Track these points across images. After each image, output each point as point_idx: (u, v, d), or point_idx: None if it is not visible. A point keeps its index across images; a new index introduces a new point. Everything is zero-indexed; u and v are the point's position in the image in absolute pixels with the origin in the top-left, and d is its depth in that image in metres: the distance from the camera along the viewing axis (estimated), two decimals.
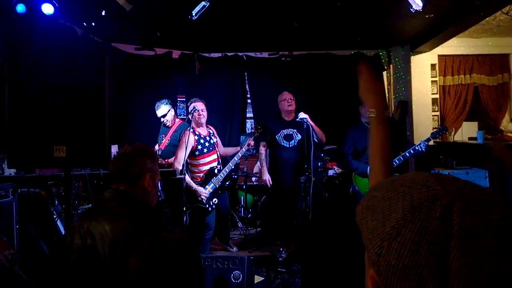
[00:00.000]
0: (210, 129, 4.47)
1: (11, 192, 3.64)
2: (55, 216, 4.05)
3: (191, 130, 4.11)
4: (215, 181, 4.20)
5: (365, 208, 0.58)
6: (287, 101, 4.48)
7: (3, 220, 3.51)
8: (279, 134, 4.50)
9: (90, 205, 4.28)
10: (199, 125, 4.28)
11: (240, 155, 4.33)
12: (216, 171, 4.23)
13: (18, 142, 2.36)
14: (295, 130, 4.45)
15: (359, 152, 4.34)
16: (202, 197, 4.14)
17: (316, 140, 4.23)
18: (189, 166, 4.23)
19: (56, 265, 1.61)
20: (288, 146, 4.46)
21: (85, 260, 1.53)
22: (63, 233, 3.94)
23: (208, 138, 4.31)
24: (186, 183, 4.02)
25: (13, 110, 2.36)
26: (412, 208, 0.51)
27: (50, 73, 2.38)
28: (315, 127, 4.24)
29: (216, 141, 4.44)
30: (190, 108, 4.18)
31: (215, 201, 4.24)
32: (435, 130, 4.10)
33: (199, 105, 4.22)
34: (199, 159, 4.22)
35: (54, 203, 4.19)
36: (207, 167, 4.24)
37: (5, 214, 3.55)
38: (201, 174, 4.23)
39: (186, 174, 4.03)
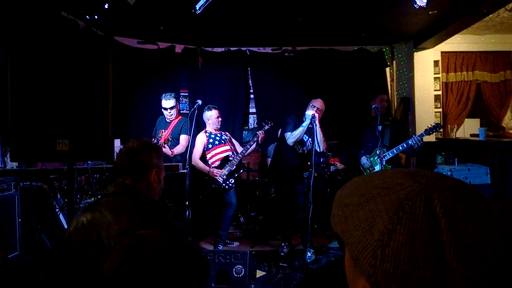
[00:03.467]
0: (223, 132, 4.95)
1: (14, 185, 3.64)
2: (57, 210, 4.05)
3: (203, 130, 4.82)
4: (230, 165, 4.69)
5: (343, 219, 0.56)
6: (313, 108, 4.28)
7: (5, 214, 3.51)
8: None
9: (92, 199, 4.28)
10: (214, 128, 4.80)
11: (252, 144, 4.82)
12: (230, 158, 4.74)
13: (20, 136, 2.35)
14: (310, 139, 4.37)
15: (362, 142, 4.41)
16: (216, 176, 4.59)
17: (316, 140, 4.17)
18: (206, 159, 4.79)
19: (59, 259, 1.60)
20: (298, 151, 4.42)
21: (90, 253, 1.52)
22: (66, 227, 3.95)
23: (219, 135, 4.83)
24: (202, 170, 4.67)
25: (15, 103, 2.34)
26: (396, 209, 0.50)
27: (53, 66, 2.36)
28: (319, 131, 4.19)
29: (229, 138, 4.95)
30: (214, 115, 4.73)
31: (231, 181, 4.69)
32: (428, 126, 4.14)
33: (218, 113, 4.79)
34: (212, 150, 4.76)
35: (56, 196, 4.18)
36: (221, 156, 4.75)
37: (8, 207, 3.55)
38: (217, 162, 4.74)
39: (201, 162, 4.71)
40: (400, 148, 4.14)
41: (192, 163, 4.58)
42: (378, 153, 4.15)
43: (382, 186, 0.54)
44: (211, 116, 4.75)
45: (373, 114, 4.27)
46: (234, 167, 4.69)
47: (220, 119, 4.80)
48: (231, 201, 4.69)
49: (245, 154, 4.84)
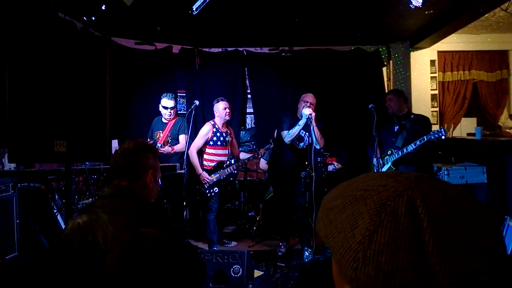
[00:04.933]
0: (229, 129, 4.82)
1: (12, 186, 3.64)
2: (55, 211, 4.06)
3: (212, 122, 4.65)
4: (221, 173, 4.58)
5: (327, 223, 0.55)
6: (306, 104, 4.36)
7: (3, 215, 3.52)
8: None
9: (90, 199, 4.29)
10: (223, 121, 4.67)
11: (251, 159, 4.78)
12: (224, 165, 4.63)
13: (18, 137, 2.36)
14: (307, 134, 4.40)
15: (375, 141, 4.40)
16: (205, 181, 4.51)
17: (313, 138, 4.21)
18: (202, 154, 4.66)
19: (56, 261, 1.61)
20: (297, 147, 4.45)
21: (86, 255, 1.53)
22: (63, 228, 3.95)
23: (224, 135, 4.69)
24: (194, 166, 4.53)
25: (13, 104, 2.35)
26: (377, 211, 0.49)
27: (51, 67, 2.37)
28: (316, 129, 4.22)
29: (231, 141, 4.79)
30: (220, 107, 4.61)
31: (216, 189, 4.58)
32: (432, 131, 4.11)
33: (227, 104, 4.67)
34: (212, 149, 4.62)
35: (54, 197, 4.19)
36: (217, 158, 4.63)
37: (6, 208, 3.56)
38: (210, 163, 4.61)
39: (197, 158, 4.57)
40: (405, 150, 4.09)
41: (188, 151, 4.46)
42: (389, 153, 4.18)
43: (365, 188, 0.53)
44: (218, 108, 4.64)
45: (371, 114, 4.27)
46: (224, 177, 4.61)
47: (227, 110, 4.62)
48: (212, 206, 4.60)
49: (239, 166, 4.77)
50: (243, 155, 4.90)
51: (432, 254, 0.45)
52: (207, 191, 4.55)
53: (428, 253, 0.45)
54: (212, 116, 4.78)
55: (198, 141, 4.60)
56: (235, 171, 4.95)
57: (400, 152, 4.13)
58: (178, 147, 4.68)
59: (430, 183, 0.51)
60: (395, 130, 4.22)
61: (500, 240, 0.48)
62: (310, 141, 4.32)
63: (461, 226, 0.47)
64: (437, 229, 0.46)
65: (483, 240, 0.47)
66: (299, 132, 4.31)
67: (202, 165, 4.61)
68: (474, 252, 0.45)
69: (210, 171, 4.57)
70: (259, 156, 4.81)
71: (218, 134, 4.64)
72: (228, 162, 4.67)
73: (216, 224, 4.65)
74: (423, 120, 4.40)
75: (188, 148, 4.41)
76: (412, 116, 4.39)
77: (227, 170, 4.60)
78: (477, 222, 0.48)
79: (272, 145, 4.72)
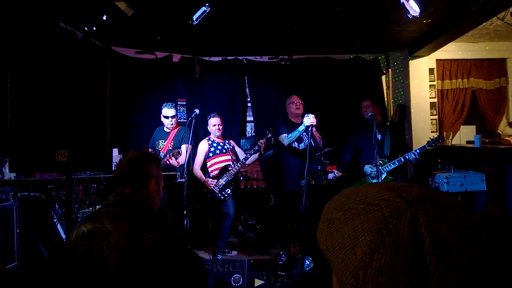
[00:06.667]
0: (227, 140, 4.95)
1: (12, 196, 3.64)
2: (55, 220, 4.05)
3: (207, 138, 4.88)
4: (228, 175, 4.64)
5: (328, 235, 0.54)
6: (295, 105, 4.49)
7: (3, 224, 3.51)
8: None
9: (90, 209, 4.28)
10: (215, 136, 4.81)
11: (253, 152, 4.70)
12: (229, 168, 4.70)
13: (19, 146, 2.36)
14: (304, 133, 4.41)
15: (359, 152, 4.43)
16: (211, 186, 4.58)
17: (312, 143, 4.24)
18: (206, 167, 4.79)
19: (61, 269, 1.61)
20: (299, 148, 4.47)
21: (91, 263, 1.53)
22: (64, 237, 3.94)
23: (222, 144, 4.82)
24: (199, 179, 4.68)
25: (15, 114, 2.36)
26: (379, 228, 0.48)
27: (52, 77, 2.38)
28: (314, 131, 4.25)
29: (232, 147, 4.91)
30: (211, 123, 4.76)
31: (228, 191, 4.65)
32: (431, 138, 4.19)
33: (217, 120, 4.76)
34: (213, 159, 4.75)
35: (54, 207, 4.19)
36: (220, 165, 4.71)
37: (6, 218, 3.55)
38: (216, 171, 4.71)
39: (199, 172, 4.72)
40: (402, 159, 4.16)
41: (193, 171, 4.64)
42: (380, 163, 4.18)
43: (367, 202, 0.52)
44: (209, 124, 4.79)
45: (370, 122, 4.30)
46: (232, 177, 4.63)
47: (217, 127, 4.73)
48: (229, 211, 4.63)
49: (245, 164, 4.71)
50: (242, 155, 4.90)
51: (434, 277, 0.43)
52: (219, 195, 4.59)
53: (429, 275, 0.44)
54: None
55: (198, 158, 4.77)
56: (241, 171, 4.99)
57: (402, 159, 4.16)
58: (182, 159, 4.67)
59: (434, 200, 0.50)
60: (379, 139, 4.22)
61: (506, 263, 0.47)
62: (308, 142, 4.34)
63: (465, 248, 0.45)
64: (439, 250, 0.45)
65: (488, 264, 0.45)
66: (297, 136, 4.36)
67: (210, 176, 4.71)
68: (478, 276, 0.44)
69: (216, 178, 4.65)
70: (261, 148, 4.63)
71: (215, 145, 4.77)
72: (233, 165, 4.70)
73: (229, 232, 4.74)
74: (398, 127, 4.55)
75: (188, 165, 4.46)
76: (388, 123, 4.51)
77: (233, 170, 4.65)
78: (481, 244, 0.46)
79: (270, 135, 4.64)
